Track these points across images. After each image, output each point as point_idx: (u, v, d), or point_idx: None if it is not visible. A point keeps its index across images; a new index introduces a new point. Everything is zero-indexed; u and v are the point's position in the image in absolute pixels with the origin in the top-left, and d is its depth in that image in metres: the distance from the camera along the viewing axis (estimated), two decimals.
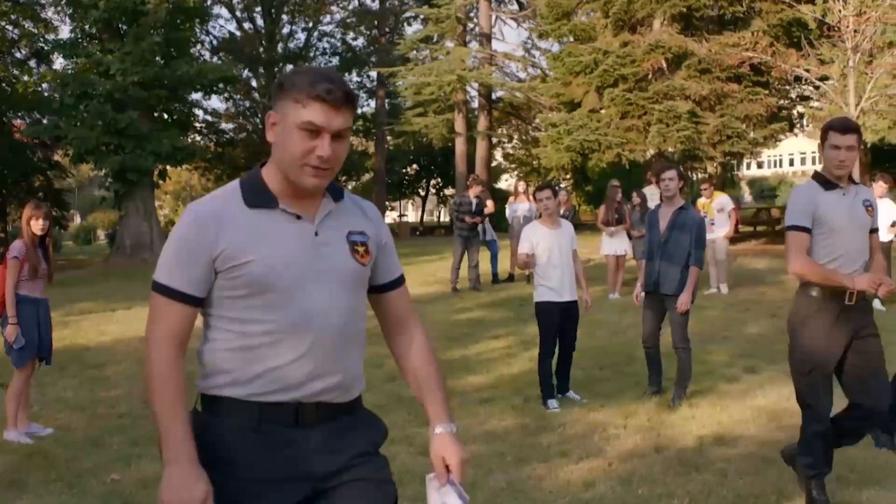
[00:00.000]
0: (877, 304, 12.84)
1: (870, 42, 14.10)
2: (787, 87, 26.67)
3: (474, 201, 15.97)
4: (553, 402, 7.74)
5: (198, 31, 35.09)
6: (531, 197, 17.75)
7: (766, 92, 24.43)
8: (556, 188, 8.36)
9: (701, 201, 15.53)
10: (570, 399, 7.99)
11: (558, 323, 7.91)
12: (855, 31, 13.78)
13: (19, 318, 7.01)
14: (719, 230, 14.99)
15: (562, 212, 15.96)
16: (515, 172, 47.92)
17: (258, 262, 2.32)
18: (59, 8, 30.13)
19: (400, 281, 2.69)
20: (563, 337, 8.02)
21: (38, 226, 7.14)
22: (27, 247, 7.09)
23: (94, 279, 22.75)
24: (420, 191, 56.83)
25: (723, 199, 15.68)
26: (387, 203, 52.58)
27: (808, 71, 15.45)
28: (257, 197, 2.39)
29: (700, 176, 32.14)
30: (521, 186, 17.98)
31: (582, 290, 8.06)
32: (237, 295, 2.35)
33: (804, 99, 28.46)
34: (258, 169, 2.46)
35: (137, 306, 15.62)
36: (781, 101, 27.28)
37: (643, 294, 8.14)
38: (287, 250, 2.35)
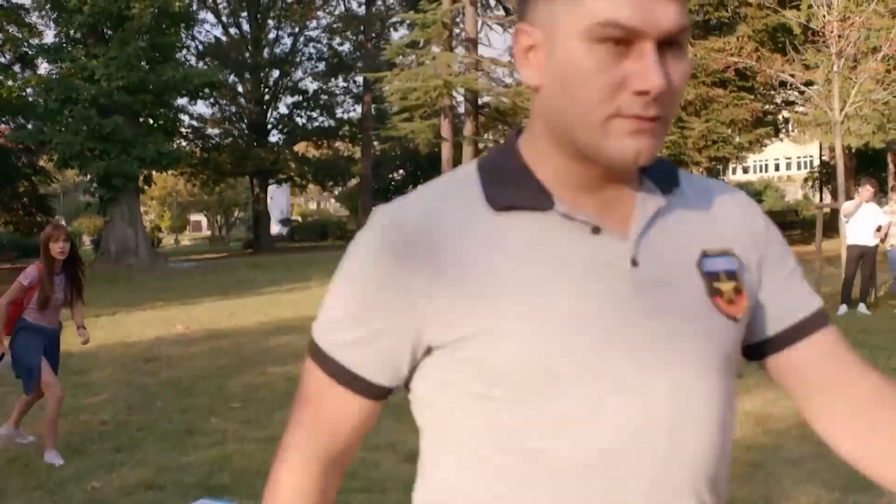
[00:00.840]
0: (861, 308, 12.87)
1: (854, 47, 14.11)
2: (773, 93, 26.72)
3: None
4: None
5: (183, 35, 35.05)
6: None
7: (752, 97, 24.48)
8: None
9: None
10: None
11: None
12: (839, 36, 13.79)
13: (14, 344, 6.58)
14: None
15: None
16: None
17: (520, 334, 1.09)
18: (44, 12, 30.04)
19: (820, 319, 1.29)
20: None
21: (57, 248, 6.44)
22: (41, 274, 6.51)
23: None
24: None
25: None
26: (373, 209, 52.49)
27: (792, 76, 15.45)
28: (512, 190, 1.16)
29: None
30: None
31: None
32: (478, 393, 1.13)
33: (789, 104, 28.53)
34: (512, 138, 1.24)
35: (122, 312, 15.61)
36: (767, 106, 27.34)
37: None
38: (579, 301, 1.11)
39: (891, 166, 27.78)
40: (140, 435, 7.26)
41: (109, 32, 27.84)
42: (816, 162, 48.46)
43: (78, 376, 9.91)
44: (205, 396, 8.65)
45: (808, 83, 16.14)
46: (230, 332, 12.81)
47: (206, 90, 32.32)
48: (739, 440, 6.59)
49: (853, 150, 26.21)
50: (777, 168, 76.92)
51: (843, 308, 12.91)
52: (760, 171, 75.20)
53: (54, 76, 28.28)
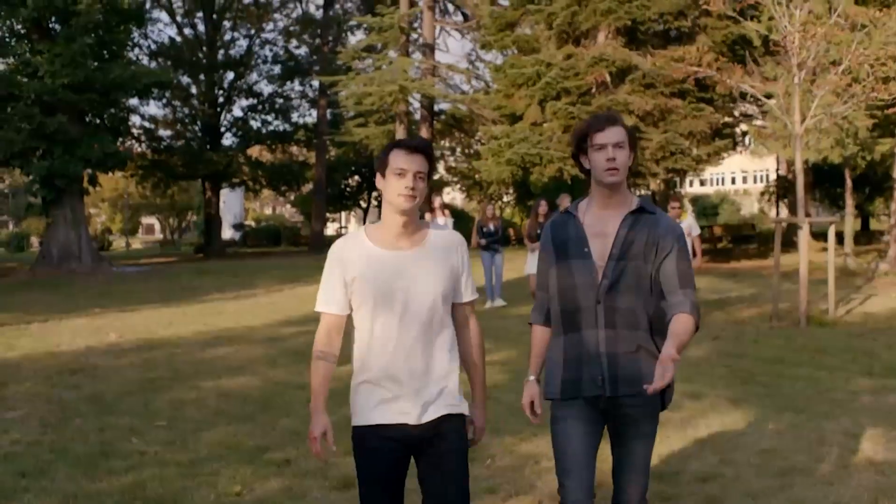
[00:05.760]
0: None
1: (814, 60, 13.81)
2: (731, 105, 26.56)
3: None
4: None
5: (136, 35, 34.22)
6: (445, 212, 16.97)
7: (711, 108, 24.30)
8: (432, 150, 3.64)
9: None
10: None
11: (395, 475, 3.37)
12: (800, 47, 13.49)
13: None
14: None
15: (490, 228, 15.32)
16: (458, 186, 47.58)
17: None
18: None
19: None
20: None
21: None
22: None
23: (14, 289, 21.81)
24: (361, 202, 56.25)
25: (688, 222, 12.66)
26: (327, 214, 51.92)
27: (752, 87, 15.14)
28: None
29: (643, 192, 31.93)
30: (437, 201, 17.26)
31: (473, 387, 3.65)
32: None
33: (747, 117, 28.41)
34: None
35: (54, 319, 14.87)
36: (725, 119, 27.19)
37: (558, 401, 3.66)
38: None
39: (848, 182, 27.66)
40: (50, 458, 6.67)
41: (56, 28, 27.02)
42: (773, 176, 48.62)
43: None
44: (128, 414, 8.06)
45: (768, 96, 15.84)
46: (165, 342, 12.20)
47: (156, 90, 31.52)
48: (694, 471, 6.14)
49: (810, 165, 26.08)
50: (733, 181, 77.37)
51: None
52: (717, 184, 75.61)
53: None
